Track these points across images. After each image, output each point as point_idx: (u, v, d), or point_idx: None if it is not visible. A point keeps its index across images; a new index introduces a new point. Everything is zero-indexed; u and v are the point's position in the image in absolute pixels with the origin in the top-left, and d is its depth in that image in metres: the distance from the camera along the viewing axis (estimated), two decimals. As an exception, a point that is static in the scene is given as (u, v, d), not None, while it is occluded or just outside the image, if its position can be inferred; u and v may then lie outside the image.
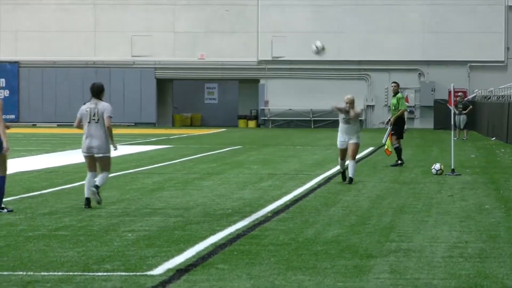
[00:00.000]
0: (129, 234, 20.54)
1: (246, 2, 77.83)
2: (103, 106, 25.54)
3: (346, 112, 31.20)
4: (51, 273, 15.86)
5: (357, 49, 77.16)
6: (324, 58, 76.13)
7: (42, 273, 15.81)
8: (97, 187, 25.19)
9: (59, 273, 15.85)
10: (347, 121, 31.08)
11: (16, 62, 77.28)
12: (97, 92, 25.70)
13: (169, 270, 16.37)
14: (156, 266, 16.70)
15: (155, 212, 24.31)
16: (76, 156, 35.97)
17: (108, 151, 25.52)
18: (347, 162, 31.35)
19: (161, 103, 78.54)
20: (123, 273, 16.06)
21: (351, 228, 21.55)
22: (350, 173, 31.35)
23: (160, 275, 15.94)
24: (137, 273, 16.09)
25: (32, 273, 15.83)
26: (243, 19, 78.15)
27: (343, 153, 31.27)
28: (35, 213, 24.01)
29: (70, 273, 15.86)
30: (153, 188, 29.28)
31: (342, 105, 31.49)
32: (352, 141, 31.19)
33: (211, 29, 77.67)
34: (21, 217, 23.27)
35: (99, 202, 25.11)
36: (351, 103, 31.51)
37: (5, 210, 24.32)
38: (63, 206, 24.97)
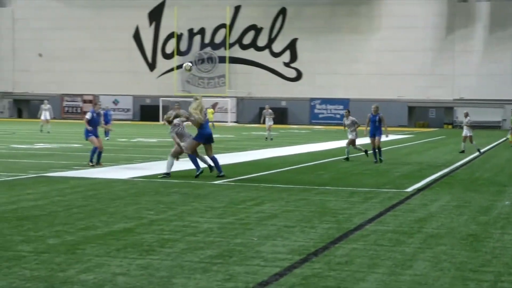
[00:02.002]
0: (397, 173, 20.26)
1: (447, 73, 75.69)
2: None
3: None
4: (343, 188, 15.81)
5: (499, 93, 74.20)
6: (483, 97, 74.41)
7: (335, 188, 15.71)
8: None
9: (350, 188, 15.74)
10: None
11: (348, 99, 76.98)
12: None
13: (414, 189, 16.04)
14: (408, 187, 16.42)
15: (407, 164, 23.83)
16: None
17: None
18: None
19: (410, 118, 77.11)
20: (394, 190, 15.87)
21: (496, 173, 20.69)
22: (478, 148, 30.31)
23: (410, 191, 15.67)
24: (400, 190, 15.87)
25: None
26: (448, 81, 76.03)
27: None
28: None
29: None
30: (405, 153, 28.88)
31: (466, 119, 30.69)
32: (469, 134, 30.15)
33: (433, 85, 75.89)
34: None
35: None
36: (466, 114, 31.02)
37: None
38: (364, 161, 24.67)
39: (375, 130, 24.13)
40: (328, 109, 79.04)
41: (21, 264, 7.66)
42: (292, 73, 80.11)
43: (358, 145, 25.53)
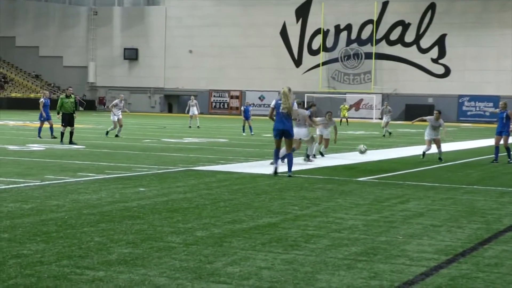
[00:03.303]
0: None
1: None
2: None
3: None
4: (492, 187, 15.26)
5: None
6: None
7: (485, 187, 15.11)
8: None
9: (501, 188, 15.17)
10: None
11: (498, 96, 74.13)
12: None
13: None
14: None
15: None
16: None
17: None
18: None
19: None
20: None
21: None
22: None
23: None
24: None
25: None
26: None
27: None
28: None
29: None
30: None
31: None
32: None
33: None
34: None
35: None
36: None
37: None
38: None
39: (502, 127, 22.88)
40: (477, 106, 76.87)
41: (171, 255, 7.91)
42: (440, 70, 78.51)
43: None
